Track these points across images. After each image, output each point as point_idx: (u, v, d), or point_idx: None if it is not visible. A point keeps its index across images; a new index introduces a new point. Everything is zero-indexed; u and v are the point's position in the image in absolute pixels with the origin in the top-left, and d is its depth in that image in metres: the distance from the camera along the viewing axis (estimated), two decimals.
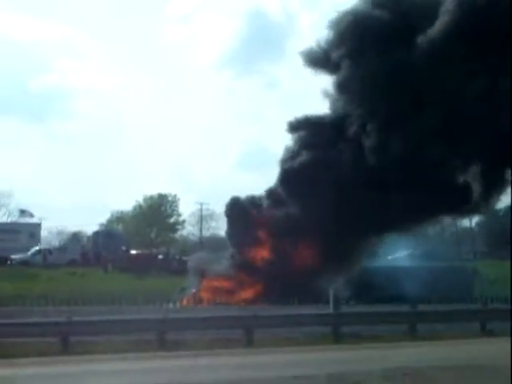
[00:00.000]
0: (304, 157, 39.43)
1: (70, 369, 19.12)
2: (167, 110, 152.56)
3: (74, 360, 21.09)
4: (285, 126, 41.23)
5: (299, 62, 39.81)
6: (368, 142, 36.96)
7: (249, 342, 24.94)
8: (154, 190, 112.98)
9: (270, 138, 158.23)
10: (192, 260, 49.06)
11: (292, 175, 38.98)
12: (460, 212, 41.38)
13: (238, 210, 41.97)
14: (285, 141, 42.14)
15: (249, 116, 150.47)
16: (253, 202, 42.64)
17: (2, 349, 22.18)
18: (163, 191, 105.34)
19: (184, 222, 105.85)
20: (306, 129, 40.88)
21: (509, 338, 18.96)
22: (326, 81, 40.07)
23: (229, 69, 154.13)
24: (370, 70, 35.92)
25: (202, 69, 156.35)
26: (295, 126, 41.21)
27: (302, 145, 40.60)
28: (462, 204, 38.12)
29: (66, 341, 23.47)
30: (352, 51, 37.47)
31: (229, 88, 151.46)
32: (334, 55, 38.49)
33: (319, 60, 39.65)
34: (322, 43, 39.43)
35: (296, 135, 41.29)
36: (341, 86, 38.59)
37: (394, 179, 35.44)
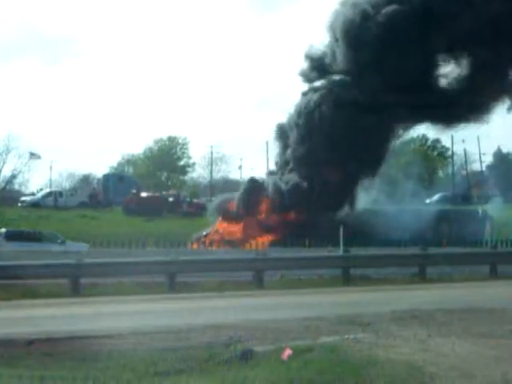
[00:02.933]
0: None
1: (80, 310, 19.22)
2: (180, 49, 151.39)
3: (84, 302, 21.24)
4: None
5: None
6: None
7: (259, 284, 25.03)
8: (164, 133, 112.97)
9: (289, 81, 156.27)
10: (216, 201, 49.05)
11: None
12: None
13: None
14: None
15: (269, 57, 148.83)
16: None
17: (12, 290, 22.31)
18: (174, 133, 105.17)
19: (194, 164, 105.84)
20: None
21: None
22: None
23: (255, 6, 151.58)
24: None
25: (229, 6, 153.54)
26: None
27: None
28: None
29: (77, 283, 23.59)
30: None
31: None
32: None
33: None
34: None
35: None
36: None
37: None
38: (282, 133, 44.19)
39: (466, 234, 38.74)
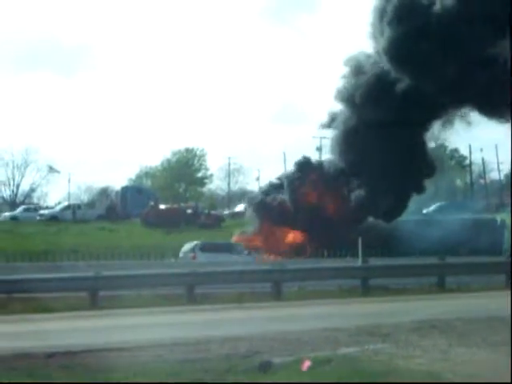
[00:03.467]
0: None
1: (99, 323, 19.25)
2: (197, 61, 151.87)
3: (102, 314, 21.27)
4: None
5: None
6: None
7: (277, 296, 25.01)
8: (182, 144, 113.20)
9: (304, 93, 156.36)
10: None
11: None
12: None
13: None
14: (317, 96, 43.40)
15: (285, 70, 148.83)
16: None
17: (31, 303, 22.38)
18: (191, 145, 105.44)
19: (212, 176, 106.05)
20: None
21: None
22: None
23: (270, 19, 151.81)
24: None
25: (245, 18, 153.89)
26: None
27: None
28: None
29: (95, 295, 23.63)
30: None
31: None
32: None
33: None
34: None
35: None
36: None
37: None
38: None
39: (485, 243, 38.51)
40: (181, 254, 37.43)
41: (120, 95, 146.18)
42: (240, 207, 72.37)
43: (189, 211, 65.29)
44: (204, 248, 37.71)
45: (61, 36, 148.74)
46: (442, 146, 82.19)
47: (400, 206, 42.95)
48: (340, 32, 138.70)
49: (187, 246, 38.33)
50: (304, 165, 44.81)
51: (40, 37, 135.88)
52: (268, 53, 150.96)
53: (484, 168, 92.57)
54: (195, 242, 38.77)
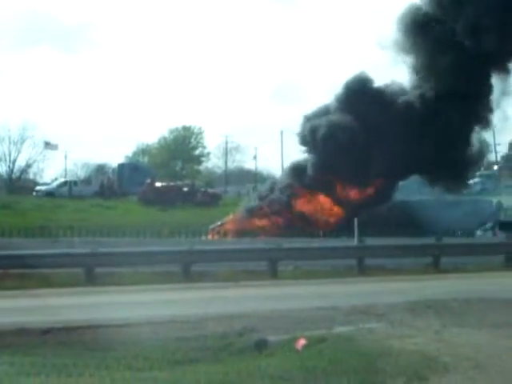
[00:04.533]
0: None
1: (95, 300, 19.30)
2: (196, 38, 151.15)
3: (99, 291, 21.32)
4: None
5: None
6: None
7: (273, 274, 25.06)
8: (179, 122, 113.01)
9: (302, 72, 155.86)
10: None
11: None
12: None
13: None
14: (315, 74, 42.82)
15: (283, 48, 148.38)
16: None
17: (27, 279, 22.43)
18: (188, 123, 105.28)
19: (209, 154, 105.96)
20: None
21: None
22: None
23: None
24: None
25: None
26: None
27: None
28: None
29: (91, 272, 23.67)
30: None
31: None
32: None
33: None
34: None
35: None
36: None
37: None
38: None
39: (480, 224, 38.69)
40: None
41: (118, 72, 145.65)
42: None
43: (185, 189, 65.28)
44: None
45: (61, 12, 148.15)
46: None
47: None
48: (340, 9, 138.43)
49: None
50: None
51: (40, 13, 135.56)
52: (266, 30, 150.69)
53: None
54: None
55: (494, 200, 48.46)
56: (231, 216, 43.19)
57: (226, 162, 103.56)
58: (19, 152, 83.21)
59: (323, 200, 40.86)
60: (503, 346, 11.34)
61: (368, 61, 54.53)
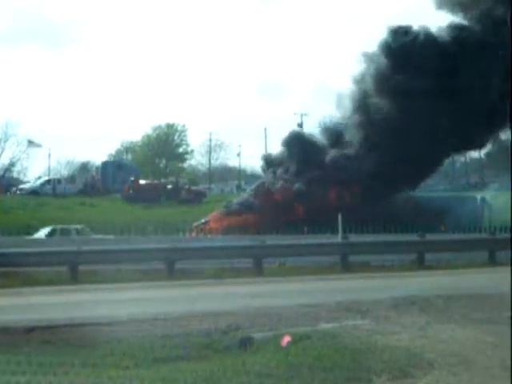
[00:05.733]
0: None
1: (79, 298, 19.24)
2: (179, 36, 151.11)
3: (83, 289, 21.25)
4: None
5: None
6: None
7: (258, 272, 25.05)
8: (163, 120, 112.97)
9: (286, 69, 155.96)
10: None
11: None
12: None
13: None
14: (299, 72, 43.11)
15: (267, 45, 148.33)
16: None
17: (10, 277, 22.34)
18: (172, 120, 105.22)
19: (193, 151, 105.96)
20: None
21: None
22: None
23: None
24: None
25: None
26: None
27: None
28: None
29: (75, 270, 23.59)
30: None
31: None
32: None
33: None
34: None
35: None
36: None
37: None
38: None
39: (465, 221, 38.79)
40: None
41: (101, 70, 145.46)
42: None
43: (169, 186, 65.30)
44: None
45: (44, 10, 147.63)
46: None
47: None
48: (324, 7, 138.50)
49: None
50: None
51: (23, 11, 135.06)
52: (251, 28, 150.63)
53: None
54: None
55: (478, 196, 48.66)
56: (214, 213, 43.26)
57: (209, 160, 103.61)
58: (3, 150, 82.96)
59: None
60: (488, 342, 11.36)
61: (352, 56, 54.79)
